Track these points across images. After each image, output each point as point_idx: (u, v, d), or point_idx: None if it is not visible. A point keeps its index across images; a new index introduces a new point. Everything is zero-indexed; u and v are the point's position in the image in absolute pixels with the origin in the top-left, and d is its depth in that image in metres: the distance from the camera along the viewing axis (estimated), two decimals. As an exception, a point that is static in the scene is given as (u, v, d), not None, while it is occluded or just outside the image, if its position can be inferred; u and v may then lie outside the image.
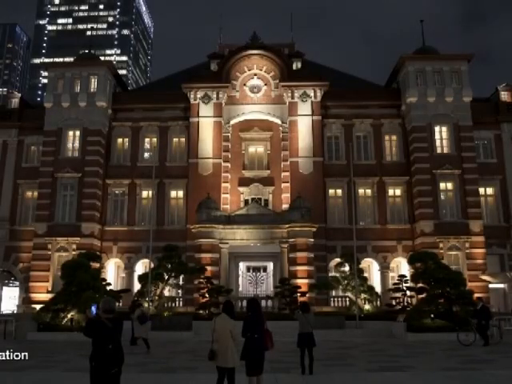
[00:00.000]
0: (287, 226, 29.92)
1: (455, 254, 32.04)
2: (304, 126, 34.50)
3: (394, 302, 28.08)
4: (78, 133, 35.06)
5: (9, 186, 35.77)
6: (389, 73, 38.76)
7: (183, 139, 36.28)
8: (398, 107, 35.67)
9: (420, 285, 25.93)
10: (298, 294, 27.46)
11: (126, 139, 36.49)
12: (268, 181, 34.60)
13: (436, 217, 32.44)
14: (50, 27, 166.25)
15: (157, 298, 28.04)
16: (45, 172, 34.34)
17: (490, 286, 31.69)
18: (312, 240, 30.05)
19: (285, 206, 32.88)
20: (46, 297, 29.26)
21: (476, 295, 24.72)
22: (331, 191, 34.79)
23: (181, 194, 35.25)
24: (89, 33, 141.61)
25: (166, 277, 28.35)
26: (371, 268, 34.06)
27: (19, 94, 40.49)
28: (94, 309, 6.84)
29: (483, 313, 19.33)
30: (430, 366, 13.38)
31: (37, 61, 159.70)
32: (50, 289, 31.77)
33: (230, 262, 31.75)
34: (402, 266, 33.31)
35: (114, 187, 35.51)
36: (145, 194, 35.27)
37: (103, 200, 34.90)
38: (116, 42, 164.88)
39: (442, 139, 34.16)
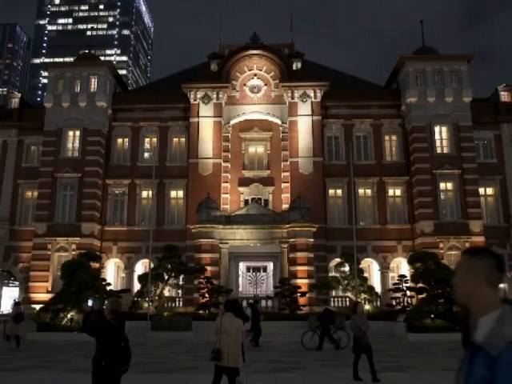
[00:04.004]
0: (287, 226, 29.91)
1: (455, 253, 31.99)
2: (304, 126, 34.50)
3: (394, 302, 28.07)
4: (77, 133, 35.07)
5: (9, 185, 35.75)
6: (389, 73, 38.80)
7: (183, 139, 36.28)
8: (397, 107, 35.68)
9: (420, 285, 25.94)
10: (298, 294, 27.46)
11: (126, 139, 36.49)
12: (268, 181, 34.60)
13: (436, 217, 32.44)
14: (50, 27, 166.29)
15: (157, 297, 28.04)
16: (45, 172, 34.34)
17: (490, 286, 31.64)
18: (312, 240, 30.04)
19: (285, 206, 32.87)
20: (46, 297, 29.24)
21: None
22: (331, 191, 34.79)
23: (181, 194, 35.24)
24: (89, 33, 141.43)
25: (166, 277, 28.35)
26: (371, 268, 34.05)
27: (19, 94, 40.46)
28: (90, 302, 6.78)
29: (325, 317, 18.61)
30: (429, 366, 13.38)
31: (37, 61, 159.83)
32: (49, 289, 31.78)
33: (230, 262, 31.75)
34: (401, 265, 33.30)
35: (114, 187, 35.51)
36: (145, 194, 35.27)
37: (103, 200, 34.90)
38: (116, 42, 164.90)
39: (441, 139, 34.16)
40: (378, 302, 29.14)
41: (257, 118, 35.19)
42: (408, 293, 27.67)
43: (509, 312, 2.13)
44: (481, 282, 2.19)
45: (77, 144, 34.94)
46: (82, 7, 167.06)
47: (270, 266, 33.70)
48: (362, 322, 11.05)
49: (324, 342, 18.18)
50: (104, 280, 28.16)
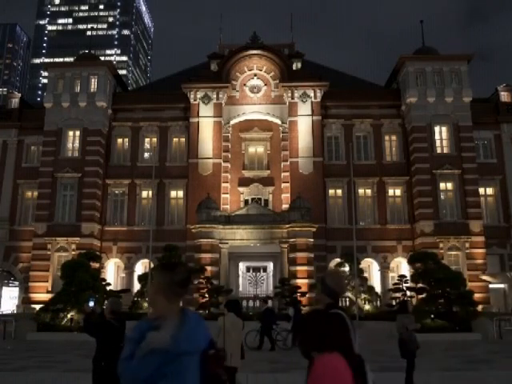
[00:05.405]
0: (287, 226, 29.91)
1: (455, 254, 32.03)
2: (304, 126, 34.49)
3: (394, 302, 28.05)
4: (77, 133, 35.06)
5: (9, 186, 35.75)
6: (389, 73, 38.81)
7: (183, 139, 36.28)
8: (397, 107, 35.67)
9: (420, 285, 25.93)
10: (298, 294, 27.46)
11: (126, 139, 36.49)
12: (268, 181, 34.60)
13: (436, 217, 32.43)
14: (50, 27, 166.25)
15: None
16: (45, 172, 34.33)
17: (490, 286, 31.67)
18: (312, 240, 30.03)
19: (285, 206, 32.87)
20: (46, 297, 29.22)
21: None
22: (331, 191, 34.79)
23: (181, 194, 35.24)
24: (89, 33, 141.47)
25: (166, 277, 28.29)
26: (371, 268, 34.04)
27: (19, 94, 40.45)
28: (91, 303, 6.83)
29: (266, 317, 18.34)
30: (430, 366, 13.37)
31: (37, 61, 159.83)
32: (49, 289, 31.77)
33: (230, 262, 31.74)
34: (401, 266, 33.31)
35: (114, 187, 35.51)
36: (145, 194, 35.26)
37: (103, 200, 34.90)
38: (116, 42, 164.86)
39: (441, 139, 34.17)
40: (378, 302, 29.14)
41: (257, 118, 35.19)
42: (408, 293, 27.65)
43: (172, 321, 2.52)
44: (158, 292, 2.59)
45: (77, 144, 34.94)
46: (82, 7, 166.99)
47: (270, 266, 33.71)
48: (410, 321, 9.62)
49: (264, 341, 18.07)
50: (104, 280, 28.13)
